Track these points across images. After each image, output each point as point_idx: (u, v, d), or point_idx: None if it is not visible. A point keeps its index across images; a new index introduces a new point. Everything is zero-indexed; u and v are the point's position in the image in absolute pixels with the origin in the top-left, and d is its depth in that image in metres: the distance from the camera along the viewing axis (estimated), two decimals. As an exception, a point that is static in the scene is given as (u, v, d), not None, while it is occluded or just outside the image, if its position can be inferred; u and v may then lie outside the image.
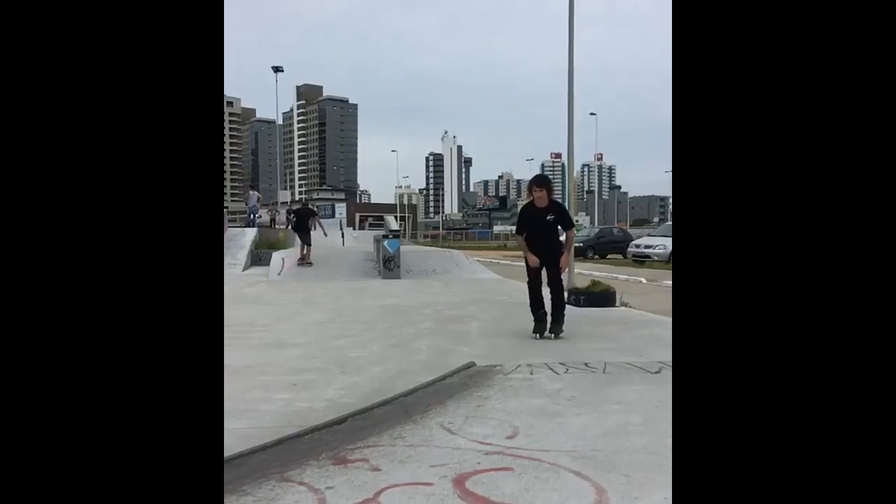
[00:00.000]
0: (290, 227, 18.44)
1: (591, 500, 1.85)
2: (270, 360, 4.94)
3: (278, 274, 14.53)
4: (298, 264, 14.80)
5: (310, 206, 18.11)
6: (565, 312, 5.92)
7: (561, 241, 5.96)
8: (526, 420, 2.69)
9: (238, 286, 12.60)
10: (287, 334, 6.45)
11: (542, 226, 5.82)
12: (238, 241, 19.10)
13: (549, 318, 5.80)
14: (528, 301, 5.87)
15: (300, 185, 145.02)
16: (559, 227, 5.92)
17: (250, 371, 4.53)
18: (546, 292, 5.88)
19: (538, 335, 5.65)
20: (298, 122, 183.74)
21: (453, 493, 1.91)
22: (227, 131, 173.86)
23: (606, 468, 2.09)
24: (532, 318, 5.92)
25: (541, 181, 5.85)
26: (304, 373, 4.44)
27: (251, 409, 3.50)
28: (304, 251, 15.22)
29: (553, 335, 5.65)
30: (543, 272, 5.94)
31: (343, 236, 21.15)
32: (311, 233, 15.42)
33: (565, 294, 6.06)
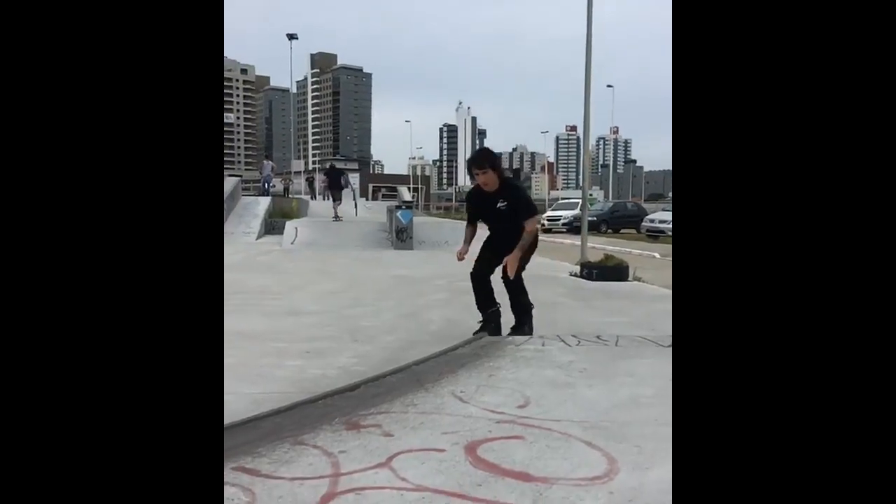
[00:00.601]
0: (325, 187, 21.39)
1: (603, 469, 1.86)
2: (284, 328, 4.99)
3: (291, 243, 14.64)
4: (333, 221, 17.22)
5: (335, 166, 19.53)
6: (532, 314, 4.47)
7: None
8: (537, 390, 2.70)
9: (252, 254, 12.68)
10: (300, 302, 6.50)
11: (494, 215, 4.29)
12: (252, 210, 19.19)
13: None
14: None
15: (314, 155, 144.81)
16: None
17: (264, 337, 4.58)
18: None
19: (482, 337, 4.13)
20: (312, 90, 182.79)
21: (465, 460, 1.92)
22: (241, 99, 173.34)
23: (618, 439, 2.10)
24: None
25: (480, 160, 4.21)
26: (317, 341, 4.48)
27: (265, 375, 3.54)
28: (337, 209, 17.74)
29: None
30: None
31: (356, 206, 21.23)
32: (343, 191, 18.31)
33: (528, 298, 4.44)
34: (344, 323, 5.23)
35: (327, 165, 24.90)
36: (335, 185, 18.29)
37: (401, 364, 3.31)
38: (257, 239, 16.47)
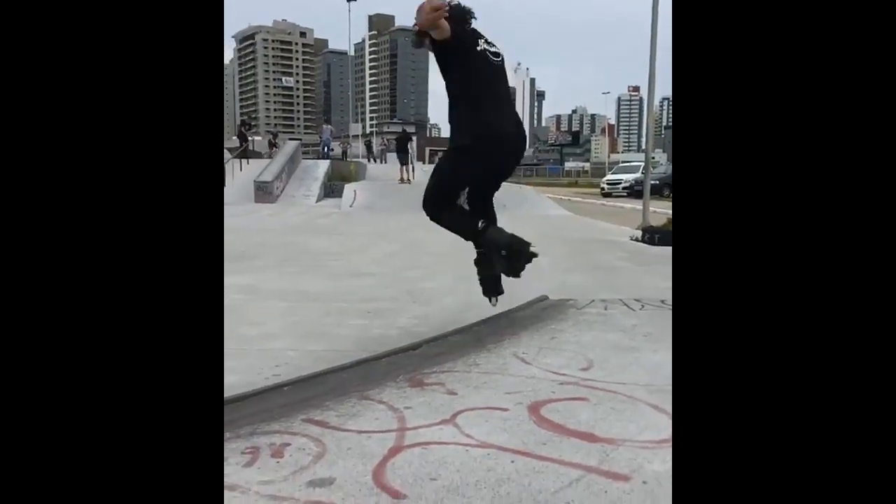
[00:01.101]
0: (382, 150, 22.32)
1: (669, 432, 1.83)
2: (345, 289, 5.08)
3: (350, 206, 14.87)
4: (399, 183, 18.02)
5: (406, 132, 20.33)
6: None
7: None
8: (600, 353, 2.67)
9: (312, 217, 12.95)
10: (360, 264, 6.60)
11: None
12: (312, 173, 19.55)
13: None
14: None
15: (371, 118, 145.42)
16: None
17: (326, 297, 4.68)
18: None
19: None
20: (370, 53, 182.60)
21: (529, 419, 1.92)
22: (300, 63, 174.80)
23: (685, 404, 2.06)
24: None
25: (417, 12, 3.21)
26: (377, 301, 4.55)
27: (328, 333, 3.63)
28: (404, 172, 18.76)
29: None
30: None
31: (413, 170, 21.37)
32: (409, 155, 19.43)
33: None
34: (403, 284, 5.29)
35: (389, 128, 25.65)
36: (404, 149, 19.21)
37: (461, 325, 3.33)
38: (317, 202, 16.79)
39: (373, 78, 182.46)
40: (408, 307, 4.40)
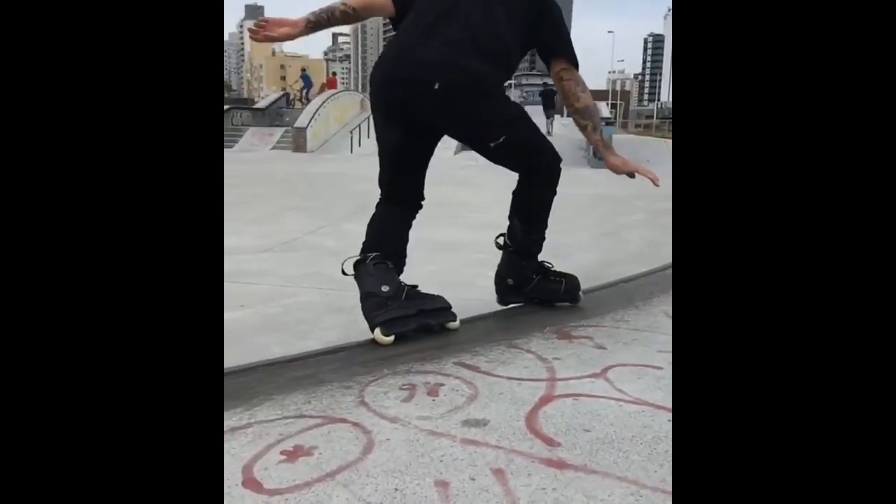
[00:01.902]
0: (526, 103, 24.79)
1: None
2: (484, 240, 5.10)
3: (487, 158, 14.88)
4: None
5: (549, 86, 22.31)
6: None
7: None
8: (760, 318, 2.50)
9: (449, 169, 13.10)
10: (496, 217, 6.57)
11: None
12: (449, 126, 19.75)
13: None
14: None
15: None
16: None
17: (466, 248, 4.76)
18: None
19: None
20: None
21: (684, 380, 1.85)
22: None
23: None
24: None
25: None
26: (518, 253, 4.55)
27: (468, 283, 3.69)
28: (549, 126, 20.02)
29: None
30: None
31: (552, 124, 21.02)
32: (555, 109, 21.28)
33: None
34: (542, 238, 5.24)
35: (528, 80, 27.34)
36: (549, 105, 20.68)
37: (603, 281, 3.26)
38: (454, 154, 16.95)
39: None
40: (548, 260, 4.37)
